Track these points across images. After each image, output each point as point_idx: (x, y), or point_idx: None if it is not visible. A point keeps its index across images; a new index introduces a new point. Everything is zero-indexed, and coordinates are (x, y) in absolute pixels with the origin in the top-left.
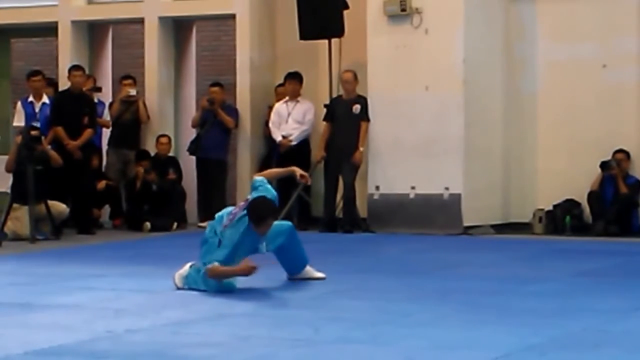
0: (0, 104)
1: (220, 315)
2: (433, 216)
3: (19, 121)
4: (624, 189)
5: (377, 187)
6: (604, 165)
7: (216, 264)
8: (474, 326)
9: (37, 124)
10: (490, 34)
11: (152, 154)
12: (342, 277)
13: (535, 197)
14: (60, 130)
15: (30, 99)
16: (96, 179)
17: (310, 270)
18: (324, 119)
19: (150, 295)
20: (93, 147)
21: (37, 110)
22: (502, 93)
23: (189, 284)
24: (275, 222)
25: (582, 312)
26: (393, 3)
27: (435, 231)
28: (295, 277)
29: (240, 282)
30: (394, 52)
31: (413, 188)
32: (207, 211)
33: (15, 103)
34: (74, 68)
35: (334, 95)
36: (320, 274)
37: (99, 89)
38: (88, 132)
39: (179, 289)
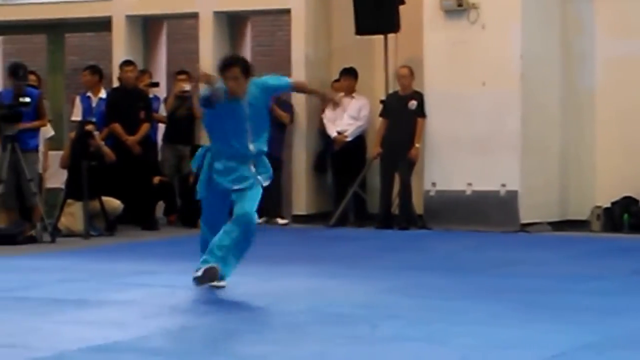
0: (55, 98)
1: (275, 313)
2: (489, 213)
3: (76, 116)
4: None
5: (434, 184)
6: None
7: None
8: (529, 324)
9: (93, 119)
10: (548, 29)
11: None
12: (398, 274)
13: (593, 194)
14: (117, 126)
15: (88, 93)
16: (151, 174)
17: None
18: (380, 115)
19: (204, 292)
20: (151, 141)
21: (93, 105)
22: (559, 89)
23: None
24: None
25: None
26: None
27: (492, 228)
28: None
29: (296, 279)
30: (450, 48)
31: (469, 185)
32: (261, 207)
33: (70, 98)
34: (126, 63)
35: (390, 91)
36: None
37: (157, 84)
38: (145, 127)
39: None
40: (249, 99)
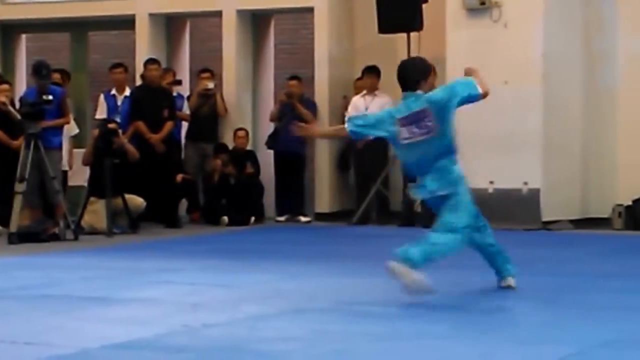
0: (78, 97)
1: (297, 310)
2: (512, 211)
3: (100, 114)
4: None
5: None
6: None
7: None
8: (550, 322)
9: (118, 117)
10: (570, 27)
11: (230, 147)
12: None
13: (615, 192)
14: (140, 124)
15: (113, 92)
16: (175, 173)
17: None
18: None
19: (227, 290)
20: (174, 140)
21: (118, 103)
22: (581, 87)
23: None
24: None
25: None
26: None
27: (514, 226)
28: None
29: (318, 277)
30: (473, 46)
31: (492, 183)
32: (284, 205)
33: (93, 96)
34: (150, 62)
35: None
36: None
37: (180, 82)
38: (169, 125)
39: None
40: None
